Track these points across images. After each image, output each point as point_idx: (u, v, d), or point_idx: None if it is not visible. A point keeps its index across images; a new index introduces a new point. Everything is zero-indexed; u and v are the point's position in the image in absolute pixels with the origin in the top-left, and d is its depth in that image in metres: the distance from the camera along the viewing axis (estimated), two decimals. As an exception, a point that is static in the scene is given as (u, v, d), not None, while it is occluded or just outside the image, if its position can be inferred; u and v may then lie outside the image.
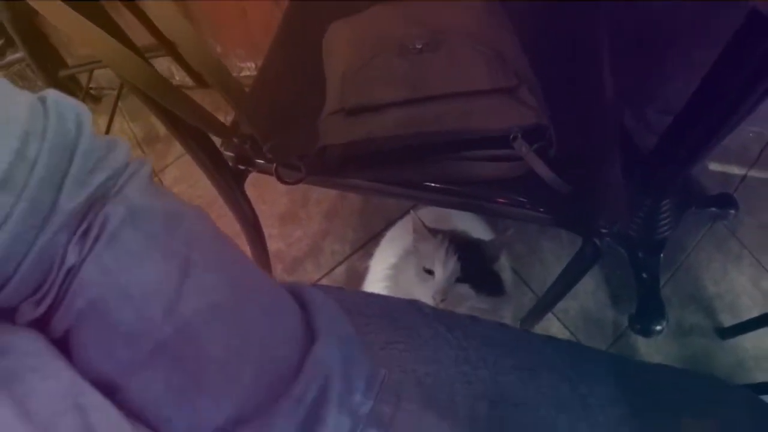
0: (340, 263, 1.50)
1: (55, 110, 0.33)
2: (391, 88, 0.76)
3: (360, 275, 1.28)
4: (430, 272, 0.91)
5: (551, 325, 1.37)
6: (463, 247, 0.90)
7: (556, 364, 0.59)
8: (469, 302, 0.90)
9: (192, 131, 0.77)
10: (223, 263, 0.40)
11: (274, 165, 0.76)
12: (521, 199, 0.82)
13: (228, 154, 0.87)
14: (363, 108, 0.76)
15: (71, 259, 0.33)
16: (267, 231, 1.53)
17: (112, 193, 0.35)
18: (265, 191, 1.58)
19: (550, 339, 0.63)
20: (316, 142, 0.77)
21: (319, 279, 1.47)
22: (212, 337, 0.36)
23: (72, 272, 0.33)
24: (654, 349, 1.37)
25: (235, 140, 0.76)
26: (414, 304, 0.63)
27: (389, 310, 0.60)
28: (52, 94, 0.34)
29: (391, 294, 1.01)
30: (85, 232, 0.34)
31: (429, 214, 1.07)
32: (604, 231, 0.82)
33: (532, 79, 0.81)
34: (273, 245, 1.50)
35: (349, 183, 0.85)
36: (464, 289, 0.89)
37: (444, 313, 0.62)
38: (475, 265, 0.90)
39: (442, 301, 0.87)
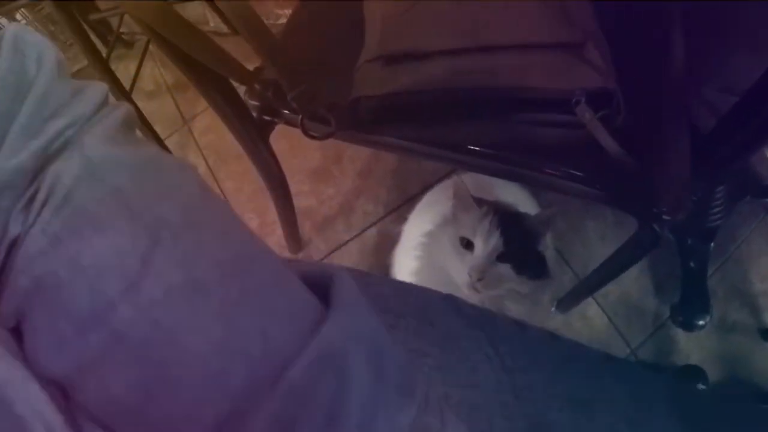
0: (372, 225, 1.40)
1: (11, 46, 0.26)
2: (439, 35, 0.65)
3: (392, 240, 1.18)
4: (468, 245, 0.80)
5: (589, 308, 1.26)
6: (507, 221, 0.79)
7: (615, 396, 0.48)
8: (508, 284, 0.79)
9: (211, 75, 0.66)
10: (207, 229, 0.29)
11: (300, 117, 0.65)
12: (576, 172, 0.70)
13: (252, 103, 0.76)
14: (405, 56, 0.65)
15: (14, 229, 0.25)
16: (297, 187, 1.44)
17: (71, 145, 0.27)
18: (297, 144, 1.47)
19: (608, 359, 0.52)
20: (349, 93, 0.66)
21: (349, 240, 1.38)
22: (189, 324, 0.26)
23: (16, 245, 0.25)
24: (694, 343, 1.26)
25: (257, 86, 0.66)
26: (452, 302, 0.52)
27: (423, 306, 0.48)
28: (14, 28, 0.27)
29: (424, 265, 0.90)
30: (33, 196, 0.25)
31: (470, 181, 0.95)
32: (666, 217, 0.70)
33: (600, 37, 0.68)
34: (303, 201, 1.41)
35: (384, 141, 0.74)
36: (505, 269, 0.78)
37: (487, 316, 0.50)
38: (518, 243, 0.78)
39: (479, 280, 0.77)
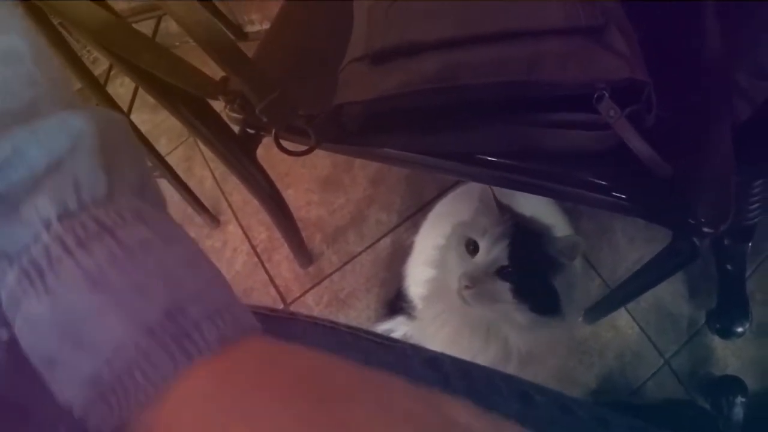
0: (385, 235, 1.29)
1: None
2: (433, 24, 0.52)
3: (406, 250, 1.08)
4: (474, 251, 0.67)
5: (619, 317, 1.13)
6: (523, 235, 0.65)
7: None
8: (503, 307, 0.65)
9: (173, 87, 0.55)
10: None
11: (274, 131, 0.54)
12: (599, 181, 0.57)
13: (233, 115, 0.64)
14: (394, 51, 0.53)
15: None
16: (307, 197, 1.33)
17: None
18: (305, 153, 1.35)
19: None
20: (330, 100, 0.54)
21: (362, 252, 1.26)
22: None
23: None
24: (731, 351, 1.12)
25: (220, 98, 0.54)
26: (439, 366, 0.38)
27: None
28: None
29: (436, 281, 0.77)
30: None
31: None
32: (707, 230, 0.56)
33: (623, 18, 0.55)
34: (313, 212, 1.31)
35: (378, 153, 0.62)
36: (502, 288, 0.64)
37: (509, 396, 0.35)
38: (526, 264, 0.64)
39: (466, 288, 0.63)
